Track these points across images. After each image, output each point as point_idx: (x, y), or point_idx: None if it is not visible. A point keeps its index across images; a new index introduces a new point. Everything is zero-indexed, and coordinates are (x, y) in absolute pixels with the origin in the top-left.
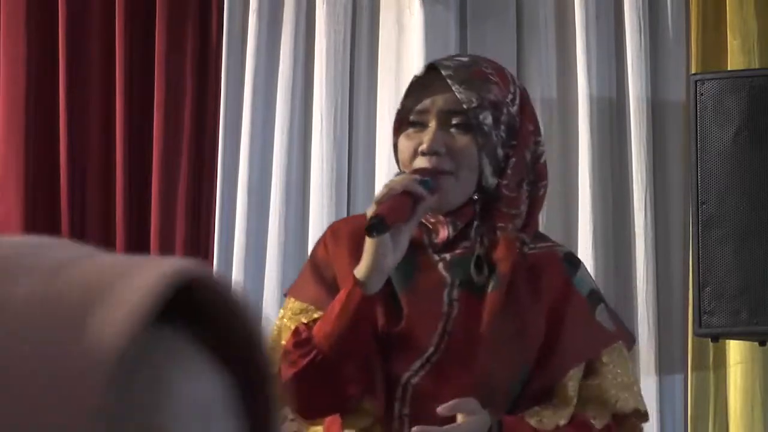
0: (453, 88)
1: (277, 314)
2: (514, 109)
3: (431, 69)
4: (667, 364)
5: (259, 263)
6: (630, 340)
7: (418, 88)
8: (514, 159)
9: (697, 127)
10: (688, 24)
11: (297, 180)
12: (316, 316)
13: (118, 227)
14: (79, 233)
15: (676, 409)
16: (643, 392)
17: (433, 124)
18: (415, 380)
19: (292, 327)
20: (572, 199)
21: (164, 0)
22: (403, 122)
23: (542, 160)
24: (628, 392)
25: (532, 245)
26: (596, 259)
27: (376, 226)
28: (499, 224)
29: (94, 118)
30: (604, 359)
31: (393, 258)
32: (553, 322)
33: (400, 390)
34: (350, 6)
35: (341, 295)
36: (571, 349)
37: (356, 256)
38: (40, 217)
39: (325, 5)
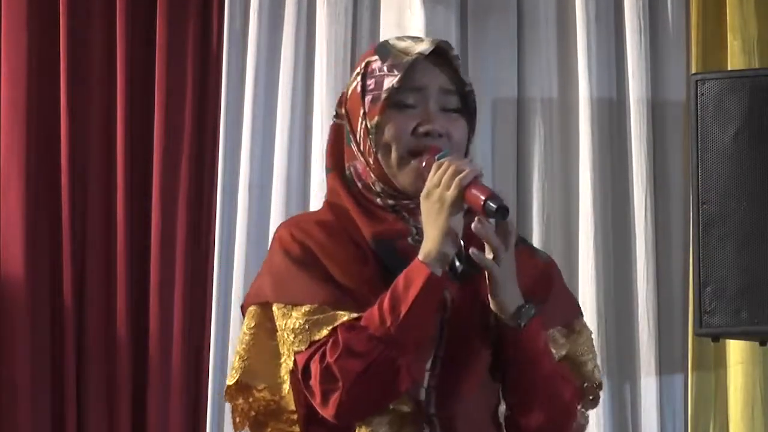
0: (459, 70)
1: (247, 324)
2: (473, 100)
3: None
4: (667, 363)
5: (260, 262)
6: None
7: (411, 68)
8: (470, 144)
9: (697, 127)
10: (688, 24)
11: (298, 179)
12: (341, 313)
13: (118, 227)
14: (79, 233)
15: (676, 409)
16: (643, 392)
17: (433, 107)
18: (434, 382)
19: (315, 331)
20: (572, 199)
21: (165, 0)
22: (390, 103)
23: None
24: (595, 364)
25: None
26: (596, 259)
27: (506, 209)
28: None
29: (95, 118)
30: (577, 327)
31: (457, 243)
32: (544, 285)
33: (423, 393)
34: (351, 6)
35: (412, 281)
36: (555, 312)
37: (340, 246)
38: (41, 216)
39: (326, 5)
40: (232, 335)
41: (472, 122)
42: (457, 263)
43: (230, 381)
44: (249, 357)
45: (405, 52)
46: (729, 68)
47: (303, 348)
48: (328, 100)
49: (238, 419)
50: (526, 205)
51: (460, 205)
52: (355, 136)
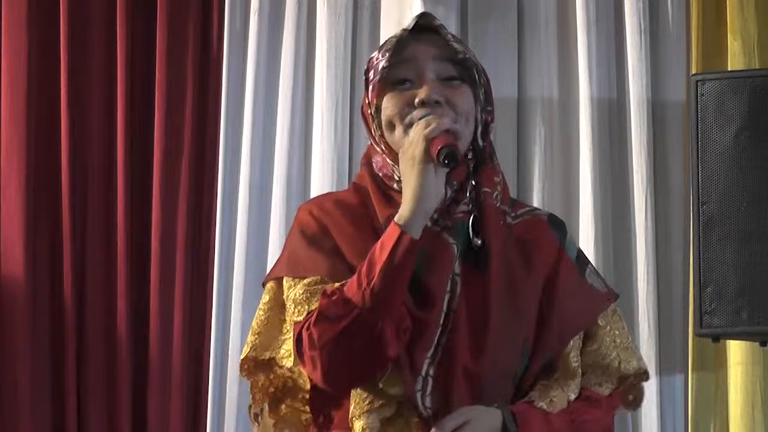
0: (447, 38)
1: (263, 300)
2: (485, 79)
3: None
4: (667, 364)
5: (261, 262)
6: (616, 296)
7: (400, 46)
8: (493, 124)
9: (698, 127)
10: (688, 25)
11: (298, 178)
12: (337, 284)
13: (119, 227)
14: (80, 233)
15: (676, 409)
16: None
17: (428, 76)
18: (432, 371)
19: (312, 301)
20: (573, 199)
21: (165, 0)
22: (386, 82)
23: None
24: (628, 353)
25: (513, 214)
26: (597, 259)
27: (453, 154)
28: (485, 189)
29: (95, 118)
30: (601, 322)
31: (436, 199)
32: (547, 295)
33: (420, 382)
34: (351, 6)
35: (384, 243)
36: (569, 318)
37: (355, 224)
38: (41, 216)
39: (326, 5)
40: (232, 335)
41: (477, 91)
42: (476, 240)
43: (243, 355)
44: (261, 332)
45: (395, 35)
46: (729, 69)
47: (301, 318)
48: (328, 100)
49: (259, 395)
50: None
51: (429, 159)
52: (370, 130)
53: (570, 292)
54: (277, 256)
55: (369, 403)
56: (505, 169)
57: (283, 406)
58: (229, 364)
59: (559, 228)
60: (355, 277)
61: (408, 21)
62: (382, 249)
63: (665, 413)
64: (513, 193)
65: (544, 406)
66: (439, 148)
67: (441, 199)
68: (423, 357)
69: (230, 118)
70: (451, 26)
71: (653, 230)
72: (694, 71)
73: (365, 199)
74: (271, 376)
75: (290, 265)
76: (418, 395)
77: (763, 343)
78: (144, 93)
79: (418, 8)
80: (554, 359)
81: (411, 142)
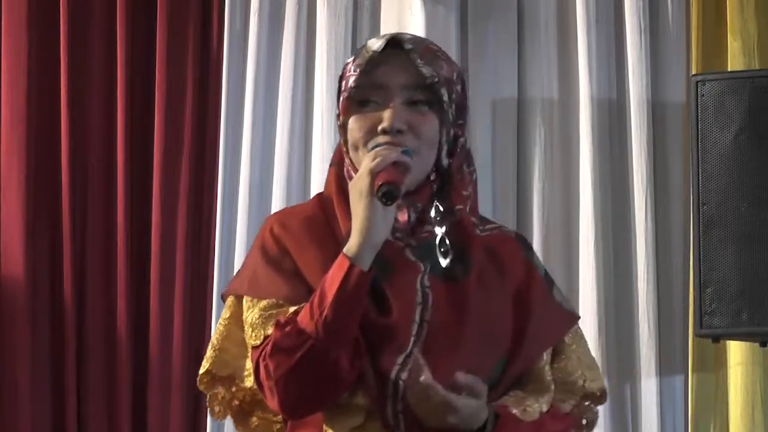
0: (417, 63)
1: (223, 315)
2: (459, 88)
3: (383, 47)
4: (667, 364)
5: None
6: (578, 317)
7: (371, 64)
8: (462, 139)
9: (697, 128)
10: (688, 25)
11: (298, 178)
12: (292, 309)
13: (119, 227)
14: (79, 233)
15: (676, 410)
16: (643, 392)
17: (395, 101)
18: (404, 375)
19: (268, 325)
20: (573, 199)
21: (165, 0)
22: (353, 101)
23: (470, 153)
24: (592, 372)
25: (481, 227)
26: (597, 259)
27: (391, 192)
28: (458, 206)
29: (95, 118)
30: (567, 340)
31: (384, 232)
32: (520, 306)
33: (391, 387)
34: (351, 6)
35: (334, 276)
36: (541, 332)
37: (318, 243)
38: (41, 216)
39: (326, 6)
40: None
41: (444, 115)
42: (443, 260)
43: (202, 369)
44: (221, 347)
45: (367, 50)
46: (729, 69)
47: (258, 342)
48: (328, 100)
49: (218, 408)
50: (526, 205)
51: (374, 193)
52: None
53: (542, 305)
54: None
55: (337, 413)
56: (505, 169)
57: (254, 419)
58: None
59: (525, 245)
60: (307, 306)
61: (408, 21)
62: (332, 280)
63: (665, 413)
64: (513, 193)
65: (518, 414)
66: (379, 184)
67: (390, 227)
68: (392, 363)
69: (230, 118)
70: (451, 26)
71: (653, 230)
72: (694, 71)
73: (329, 213)
74: (234, 389)
75: (250, 284)
76: (390, 400)
77: (763, 344)
78: (144, 93)
79: (418, 8)
80: (527, 371)
81: (359, 175)
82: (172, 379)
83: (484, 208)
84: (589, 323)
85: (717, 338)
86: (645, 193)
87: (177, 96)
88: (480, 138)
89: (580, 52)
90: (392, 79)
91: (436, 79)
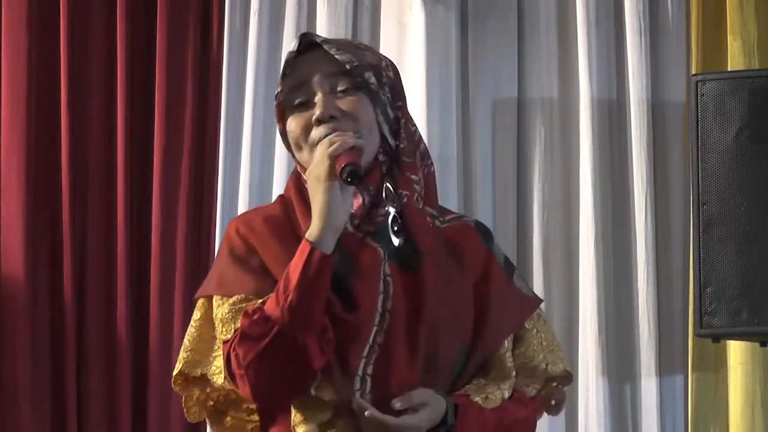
0: (331, 52)
1: (194, 317)
2: (391, 74)
3: (298, 53)
4: (667, 364)
5: None
6: (540, 300)
7: (291, 67)
8: (404, 120)
9: (698, 127)
10: (688, 25)
11: None
12: (260, 302)
13: (119, 227)
14: (79, 233)
15: (676, 410)
16: (643, 392)
17: (320, 94)
18: (370, 370)
19: (237, 319)
20: (573, 200)
21: (165, 0)
22: (285, 107)
23: (422, 144)
24: (554, 355)
25: (441, 218)
26: (597, 259)
27: (355, 172)
28: (404, 192)
29: (95, 119)
30: (527, 326)
31: (344, 214)
32: (480, 295)
33: (358, 381)
34: (351, 6)
35: (297, 261)
36: (501, 321)
37: (281, 240)
38: (41, 216)
39: (326, 5)
40: None
41: (374, 96)
42: (395, 238)
43: (175, 371)
44: (193, 348)
45: (287, 56)
46: (729, 69)
47: (229, 337)
48: None
49: (194, 409)
50: (526, 205)
51: (333, 176)
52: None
53: (501, 294)
54: None
55: (305, 410)
56: (504, 169)
57: (228, 419)
58: None
59: (485, 234)
60: (273, 294)
61: (408, 21)
62: (296, 266)
63: (665, 413)
64: (513, 193)
65: (480, 402)
66: (342, 166)
67: (349, 211)
68: (358, 357)
69: (230, 118)
70: (451, 26)
71: (653, 230)
72: (694, 71)
73: (290, 211)
74: (208, 390)
75: (219, 284)
76: (357, 394)
77: (763, 344)
78: (144, 93)
79: (418, 8)
80: (489, 359)
81: (316, 162)
82: (173, 379)
83: (485, 209)
84: (589, 323)
85: (717, 338)
86: (645, 193)
87: (177, 96)
88: (480, 138)
89: (580, 52)
90: (313, 72)
91: (356, 63)
